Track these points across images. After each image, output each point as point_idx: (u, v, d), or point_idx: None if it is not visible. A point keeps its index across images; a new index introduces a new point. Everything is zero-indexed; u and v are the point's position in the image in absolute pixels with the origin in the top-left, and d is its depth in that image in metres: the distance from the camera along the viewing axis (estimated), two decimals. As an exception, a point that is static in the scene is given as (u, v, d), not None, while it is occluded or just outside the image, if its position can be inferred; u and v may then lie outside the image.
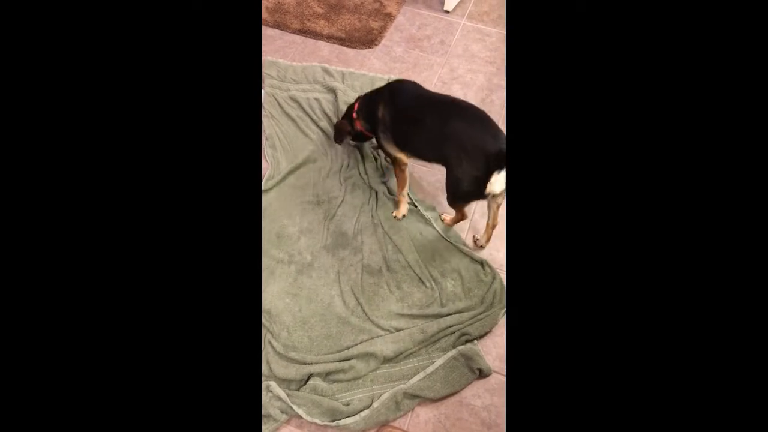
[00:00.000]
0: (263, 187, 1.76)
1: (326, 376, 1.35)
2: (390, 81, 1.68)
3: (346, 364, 1.36)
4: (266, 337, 1.43)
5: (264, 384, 1.32)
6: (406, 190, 1.66)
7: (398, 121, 1.52)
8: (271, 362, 1.37)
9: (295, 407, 1.27)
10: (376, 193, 1.75)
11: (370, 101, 1.63)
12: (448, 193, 1.48)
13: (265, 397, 1.30)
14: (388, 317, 1.47)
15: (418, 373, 1.35)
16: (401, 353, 1.39)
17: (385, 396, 1.29)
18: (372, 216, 1.70)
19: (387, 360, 1.38)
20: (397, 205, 1.70)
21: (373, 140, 1.72)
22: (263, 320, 1.45)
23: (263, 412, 1.28)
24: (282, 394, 1.30)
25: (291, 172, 1.81)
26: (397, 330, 1.43)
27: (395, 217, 1.68)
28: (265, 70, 2.12)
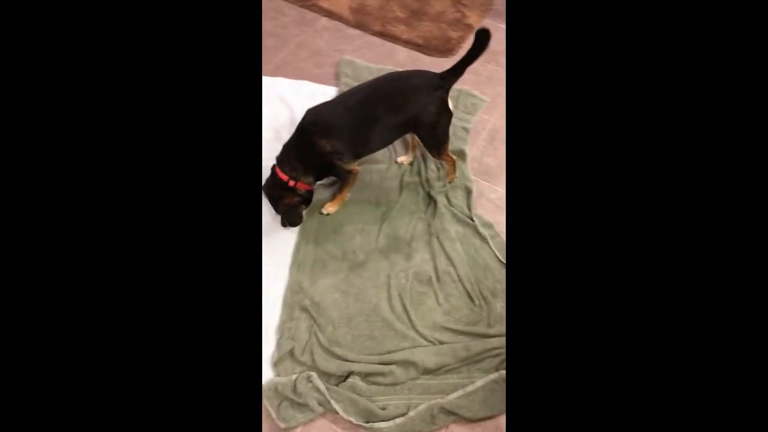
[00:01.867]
0: (325, 182, 1.80)
1: (365, 376, 1.37)
2: (302, 121, 1.53)
3: (386, 368, 1.36)
4: (312, 328, 1.46)
5: (305, 373, 1.35)
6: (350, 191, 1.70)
7: (352, 137, 1.49)
8: (314, 353, 1.40)
9: (332, 402, 1.29)
10: (435, 202, 1.74)
11: (302, 151, 1.52)
12: (434, 147, 1.61)
13: (305, 387, 1.33)
14: (433, 328, 1.46)
15: (458, 390, 1.33)
16: (442, 367, 1.38)
17: (422, 407, 1.29)
18: (429, 224, 1.70)
19: (427, 371, 1.37)
20: (339, 200, 1.70)
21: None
22: (311, 311, 1.49)
23: (302, 400, 1.31)
24: (321, 386, 1.32)
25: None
26: (441, 343, 1.43)
27: (326, 212, 1.68)
28: (341, 68, 2.17)
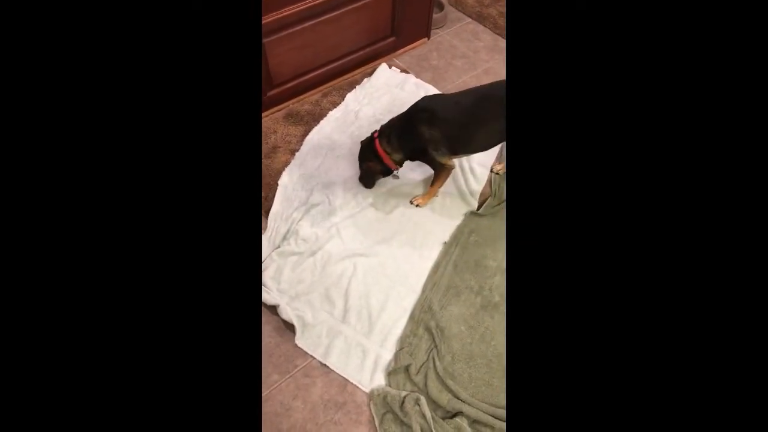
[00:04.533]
0: (481, 211, 1.77)
1: (474, 422, 1.30)
2: (413, 105, 1.61)
3: (497, 423, 1.28)
4: (432, 351, 1.43)
5: (415, 395, 1.33)
6: (440, 187, 1.75)
7: (454, 132, 1.53)
8: (428, 378, 1.37)
9: (435, 435, 1.25)
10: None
11: (402, 130, 1.60)
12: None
13: (412, 408, 1.30)
14: (557, 401, 1.33)
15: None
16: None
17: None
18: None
19: (541, 445, 1.25)
20: (429, 195, 1.75)
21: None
22: (435, 335, 1.46)
23: (406, 419, 1.29)
24: (428, 414, 1.29)
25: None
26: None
27: (416, 204, 1.76)
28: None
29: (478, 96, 1.55)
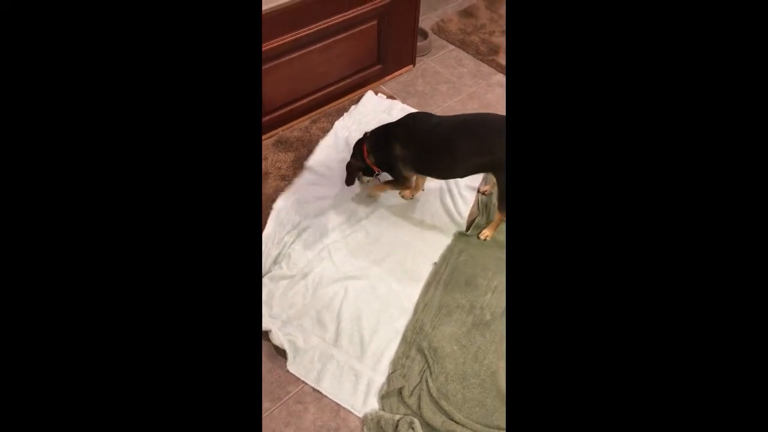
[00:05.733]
0: (469, 232, 1.80)
1: (468, 444, 1.28)
2: (399, 119, 1.69)
3: (492, 444, 1.27)
4: (425, 373, 1.43)
5: (409, 418, 1.32)
6: (412, 193, 1.86)
7: (423, 152, 1.60)
8: (422, 400, 1.36)
9: (431, 458, 1.23)
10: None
11: (381, 139, 1.68)
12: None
13: (407, 431, 1.29)
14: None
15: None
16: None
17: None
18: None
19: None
20: (380, 188, 1.83)
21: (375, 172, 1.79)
22: (428, 355, 1.46)
23: (400, 444, 1.27)
24: (422, 437, 1.27)
25: (501, 225, 1.81)
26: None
27: (368, 196, 1.86)
28: (506, 124, 2.19)
29: (455, 123, 1.60)
